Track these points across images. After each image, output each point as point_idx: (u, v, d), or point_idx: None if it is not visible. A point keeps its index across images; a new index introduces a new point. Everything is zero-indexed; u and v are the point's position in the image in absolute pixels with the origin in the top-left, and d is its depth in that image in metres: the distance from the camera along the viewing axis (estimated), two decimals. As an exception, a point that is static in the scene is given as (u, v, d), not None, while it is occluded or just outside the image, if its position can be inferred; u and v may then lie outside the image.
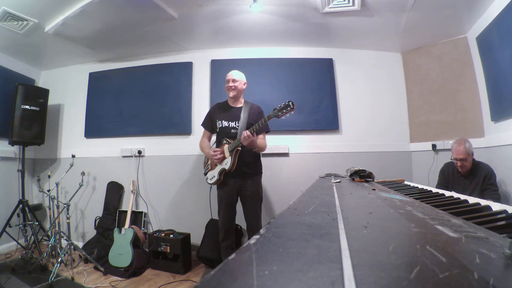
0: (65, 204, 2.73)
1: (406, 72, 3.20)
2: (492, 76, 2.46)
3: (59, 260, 2.40)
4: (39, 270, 2.44)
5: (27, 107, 3.01)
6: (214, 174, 2.23)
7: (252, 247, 0.36)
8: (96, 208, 3.24)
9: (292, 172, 3.08)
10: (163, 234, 2.73)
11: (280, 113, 2.00)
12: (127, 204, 2.98)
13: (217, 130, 2.31)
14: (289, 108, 1.98)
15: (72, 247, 2.64)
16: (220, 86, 3.09)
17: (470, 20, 2.57)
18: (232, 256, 0.33)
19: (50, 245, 2.57)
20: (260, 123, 2.04)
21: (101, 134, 3.37)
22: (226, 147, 2.18)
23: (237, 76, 2.30)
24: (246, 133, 1.99)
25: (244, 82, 2.33)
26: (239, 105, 2.31)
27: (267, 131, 2.33)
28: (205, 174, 2.34)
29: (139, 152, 3.23)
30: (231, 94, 2.27)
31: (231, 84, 2.26)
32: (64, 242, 2.69)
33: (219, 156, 2.15)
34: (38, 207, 3.33)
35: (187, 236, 2.76)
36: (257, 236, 0.41)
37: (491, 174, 2.21)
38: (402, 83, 3.21)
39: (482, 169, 2.25)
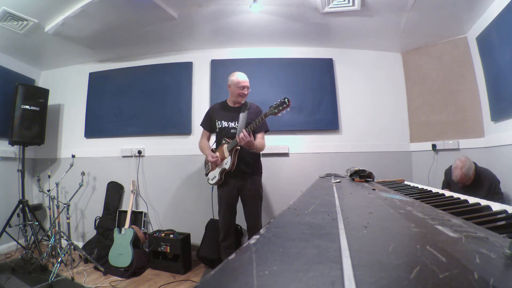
0: (65, 204, 2.73)
1: (406, 72, 3.20)
2: (492, 76, 2.46)
3: (59, 260, 2.40)
4: (39, 270, 2.44)
5: (27, 107, 3.01)
6: (215, 175, 2.23)
7: (252, 247, 0.36)
8: (96, 208, 3.24)
9: (292, 172, 3.08)
10: (163, 234, 2.73)
11: (276, 110, 1.99)
12: (127, 204, 2.98)
13: (217, 131, 2.31)
14: (285, 105, 1.98)
15: (72, 247, 2.64)
16: (220, 86, 3.09)
17: (470, 20, 2.57)
18: (232, 256, 0.33)
19: (50, 245, 2.57)
20: (257, 121, 2.04)
21: (101, 134, 3.37)
22: (225, 146, 2.18)
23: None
24: (243, 133, 1.99)
25: None
26: (238, 105, 2.31)
27: (266, 130, 2.33)
28: (206, 174, 2.34)
29: (139, 152, 3.23)
30: (243, 100, 2.27)
31: (246, 91, 2.24)
32: (64, 242, 2.69)
33: (218, 161, 2.17)
34: (38, 207, 3.33)
35: (187, 236, 2.76)
36: (257, 236, 0.41)
37: (496, 183, 2.15)
38: (402, 83, 3.21)
39: (485, 178, 2.18)
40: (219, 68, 3.18)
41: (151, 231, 3.05)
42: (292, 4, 2.43)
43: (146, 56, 3.38)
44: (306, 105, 3.09)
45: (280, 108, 1.98)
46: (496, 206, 0.79)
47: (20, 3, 2.30)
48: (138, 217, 3.09)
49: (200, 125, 2.45)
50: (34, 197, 3.47)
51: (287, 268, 0.29)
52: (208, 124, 2.37)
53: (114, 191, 3.23)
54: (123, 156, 3.28)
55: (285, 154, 3.10)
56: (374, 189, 1.09)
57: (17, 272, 2.44)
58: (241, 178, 2.22)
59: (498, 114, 2.43)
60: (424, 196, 1.07)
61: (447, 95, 2.90)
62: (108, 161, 3.31)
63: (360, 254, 0.33)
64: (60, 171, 3.36)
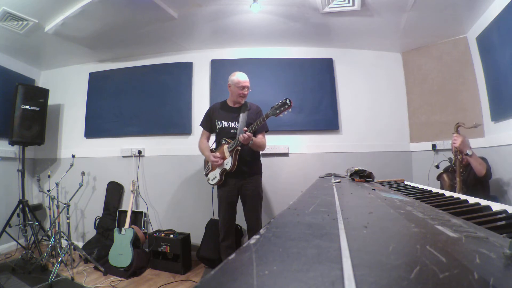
0: (65, 204, 2.73)
1: (406, 72, 3.20)
2: (492, 76, 2.46)
3: (59, 260, 2.40)
4: (39, 270, 2.44)
5: (27, 107, 3.01)
6: (215, 175, 2.23)
7: (252, 247, 0.36)
8: (96, 208, 3.24)
9: (292, 172, 3.07)
10: (163, 234, 2.73)
11: (278, 111, 2.00)
12: (127, 204, 2.98)
13: (217, 131, 2.31)
14: (286, 106, 1.98)
15: (72, 247, 2.64)
16: (220, 86, 3.09)
17: (470, 20, 2.57)
18: (232, 256, 0.33)
19: (50, 245, 2.57)
20: (258, 122, 2.05)
21: (101, 134, 3.37)
22: (225, 147, 2.18)
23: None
24: (248, 134, 1.99)
25: None
26: (238, 105, 2.31)
27: (266, 130, 2.33)
28: (206, 175, 2.34)
29: (139, 152, 3.23)
30: (243, 100, 2.27)
31: (246, 92, 2.24)
32: (64, 242, 2.69)
33: (220, 162, 2.16)
34: (38, 207, 3.32)
35: (187, 236, 2.76)
36: (257, 236, 0.41)
37: (489, 166, 2.21)
38: (402, 83, 3.20)
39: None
40: (219, 68, 3.18)
41: (151, 231, 3.04)
42: (292, 4, 2.43)
43: (146, 56, 3.38)
44: (306, 105, 3.09)
45: (282, 109, 1.99)
46: (496, 206, 0.79)
47: (20, 3, 2.29)
48: (138, 217, 3.09)
49: (200, 125, 2.45)
50: (34, 197, 3.47)
51: (287, 268, 0.29)
52: (208, 124, 2.37)
53: (114, 191, 3.23)
54: (123, 156, 3.28)
55: (285, 154, 3.10)
56: (374, 189, 1.09)
57: (17, 272, 2.44)
58: (241, 178, 2.22)
59: (498, 114, 2.42)
60: (424, 196, 1.07)
61: (447, 95, 2.90)
62: (108, 161, 3.31)
63: (360, 254, 0.33)
64: (60, 171, 3.36)
